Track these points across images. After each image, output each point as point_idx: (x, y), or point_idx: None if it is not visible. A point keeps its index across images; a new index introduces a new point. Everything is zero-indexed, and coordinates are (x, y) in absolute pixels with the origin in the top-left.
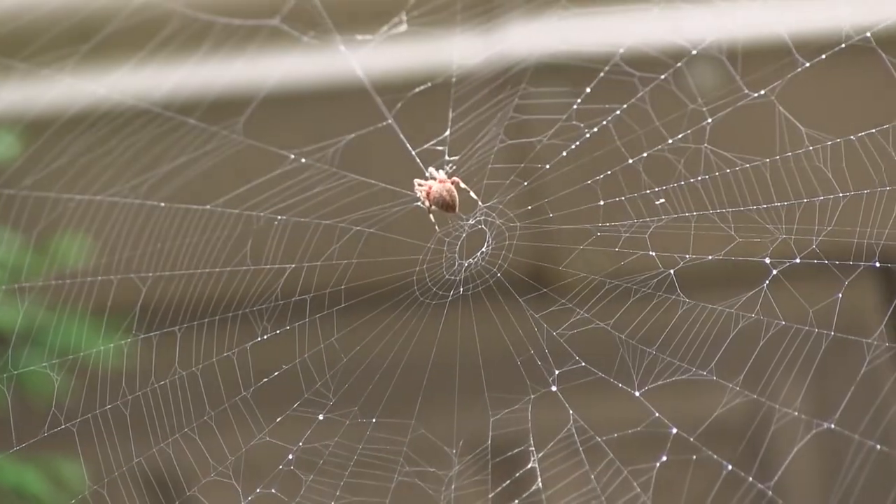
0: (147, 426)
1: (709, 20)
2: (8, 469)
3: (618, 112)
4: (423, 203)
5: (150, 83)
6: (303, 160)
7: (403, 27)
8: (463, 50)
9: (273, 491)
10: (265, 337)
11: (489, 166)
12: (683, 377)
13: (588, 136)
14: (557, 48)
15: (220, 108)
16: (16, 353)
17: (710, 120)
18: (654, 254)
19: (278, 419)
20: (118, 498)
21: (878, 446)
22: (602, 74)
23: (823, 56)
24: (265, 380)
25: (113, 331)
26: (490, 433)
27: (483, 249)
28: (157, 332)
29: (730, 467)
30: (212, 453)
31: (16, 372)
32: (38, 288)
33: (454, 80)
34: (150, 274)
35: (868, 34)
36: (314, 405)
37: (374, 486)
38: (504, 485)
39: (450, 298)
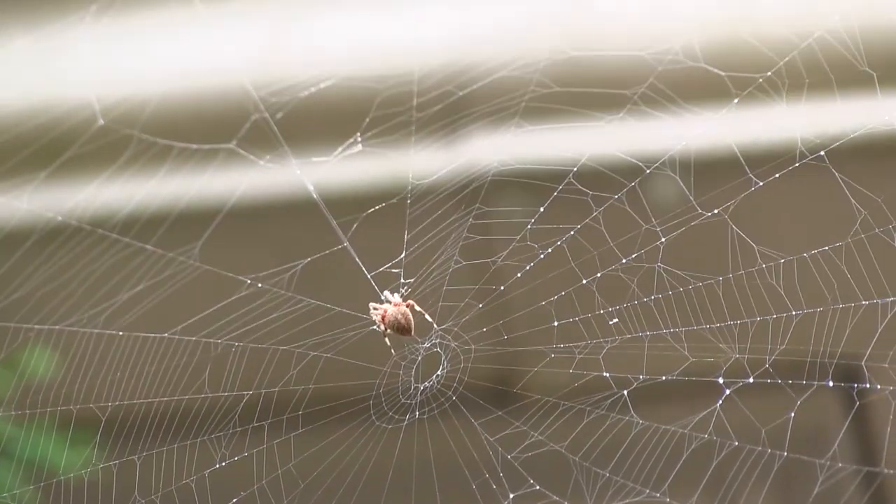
0: None
1: (662, 135)
2: None
3: (572, 232)
4: (378, 327)
5: (109, 208)
6: (259, 285)
7: (358, 147)
8: (418, 169)
9: None
10: (223, 464)
11: (444, 288)
12: (637, 499)
13: (542, 257)
14: (512, 165)
15: (178, 231)
16: None
17: (663, 239)
18: (607, 374)
19: None
20: None
21: None
22: (556, 194)
23: (777, 175)
24: None
25: (74, 459)
26: None
27: (438, 372)
28: (117, 462)
29: None
30: None
31: None
32: (1, 416)
33: (409, 200)
34: (109, 404)
35: (822, 153)
36: None
37: None
38: None
39: (406, 423)
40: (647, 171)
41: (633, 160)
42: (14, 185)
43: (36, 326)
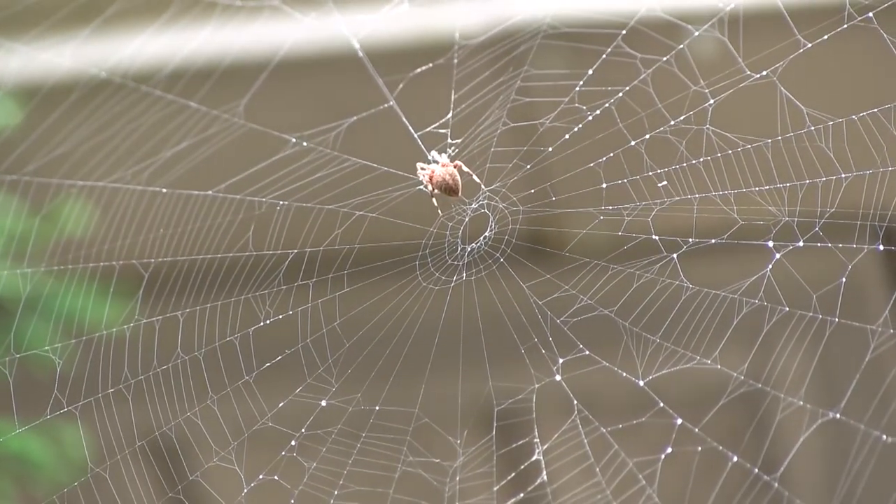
0: (149, 411)
1: None
2: (12, 437)
3: (620, 94)
4: (425, 187)
5: (153, 65)
6: (304, 144)
7: (405, 6)
8: (465, 29)
9: (275, 478)
10: (267, 322)
11: (492, 149)
12: (688, 366)
13: (590, 118)
14: (561, 28)
15: (222, 89)
16: (21, 325)
17: (711, 101)
18: (656, 237)
19: (280, 404)
20: (121, 477)
21: (885, 436)
22: (604, 56)
23: (826, 37)
24: (267, 364)
25: (116, 314)
26: (494, 423)
27: (486, 234)
28: (160, 317)
29: (735, 458)
30: (214, 438)
31: (18, 356)
32: (42, 270)
33: (456, 60)
34: (153, 260)
35: (870, 14)
36: (317, 391)
37: (379, 475)
38: (509, 477)
39: (452, 284)
40: (696, 34)
41: (682, 22)
42: (58, 40)
43: (79, 182)
